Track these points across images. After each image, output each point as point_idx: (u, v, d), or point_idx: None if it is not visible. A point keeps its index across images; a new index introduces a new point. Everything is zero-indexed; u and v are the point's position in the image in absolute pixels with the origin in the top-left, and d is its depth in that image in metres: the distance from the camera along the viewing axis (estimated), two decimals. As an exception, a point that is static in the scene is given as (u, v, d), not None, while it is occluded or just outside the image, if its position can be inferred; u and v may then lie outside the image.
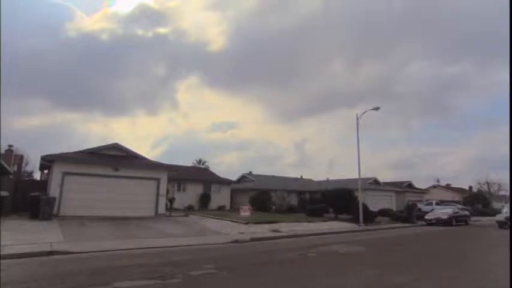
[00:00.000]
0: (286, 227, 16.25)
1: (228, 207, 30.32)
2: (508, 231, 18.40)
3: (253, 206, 23.08)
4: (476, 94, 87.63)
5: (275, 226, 16.34)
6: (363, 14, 71.72)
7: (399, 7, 74.55)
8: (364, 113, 22.69)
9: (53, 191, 16.42)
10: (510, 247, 6.71)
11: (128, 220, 15.98)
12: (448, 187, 57.61)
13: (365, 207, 22.25)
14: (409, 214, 25.69)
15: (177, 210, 23.64)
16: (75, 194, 16.70)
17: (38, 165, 21.19)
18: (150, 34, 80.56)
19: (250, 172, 42.26)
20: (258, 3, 79.89)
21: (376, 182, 38.37)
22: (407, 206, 28.89)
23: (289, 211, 27.42)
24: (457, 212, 26.50)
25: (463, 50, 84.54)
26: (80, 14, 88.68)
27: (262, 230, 14.96)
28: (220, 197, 30.87)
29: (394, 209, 32.57)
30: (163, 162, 22.80)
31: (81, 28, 74.24)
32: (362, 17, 72.34)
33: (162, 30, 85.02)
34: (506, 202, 43.94)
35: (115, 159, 19.14)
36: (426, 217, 25.63)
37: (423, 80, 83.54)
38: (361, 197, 22.55)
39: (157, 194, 19.31)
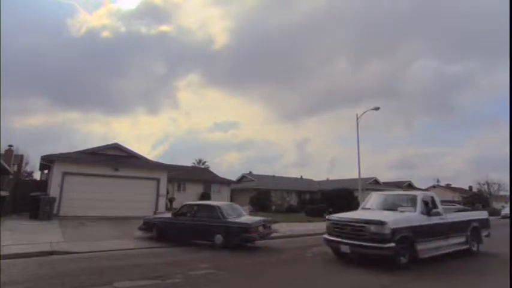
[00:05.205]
0: (286, 227, 16.23)
1: (228, 207, 30.27)
2: None
3: (253, 206, 23.10)
4: (477, 94, 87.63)
5: (275, 226, 16.21)
6: (366, 12, 71.71)
7: (403, 5, 74.53)
8: (364, 113, 22.72)
9: (53, 191, 16.43)
10: (510, 246, 6.71)
11: (128, 220, 15.96)
12: (448, 187, 57.64)
13: (365, 207, 22.25)
14: None
15: (177, 210, 23.62)
16: (75, 194, 16.71)
17: (38, 165, 21.23)
18: (152, 31, 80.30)
19: (250, 172, 42.34)
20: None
21: (376, 182, 38.44)
22: None
23: (289, 211, 27.49)
24: None
25: (465, 49, 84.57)
26: (81, 11, 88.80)
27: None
28: (220, 197, 30.83)
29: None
30: (164, 162, 22.85)
31: (83, 26, 74.32)
32: (365, 15, 72.24)
33: (164, 27, 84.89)
34: (506, 202, 44.02)
35: (115, 159, 19.14)
36: None
37: (425, 79, 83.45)
38: (361, 197, 22.56)
39: (157, 194, 19.31)
